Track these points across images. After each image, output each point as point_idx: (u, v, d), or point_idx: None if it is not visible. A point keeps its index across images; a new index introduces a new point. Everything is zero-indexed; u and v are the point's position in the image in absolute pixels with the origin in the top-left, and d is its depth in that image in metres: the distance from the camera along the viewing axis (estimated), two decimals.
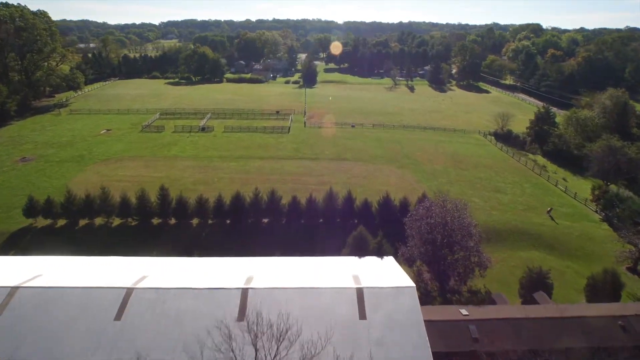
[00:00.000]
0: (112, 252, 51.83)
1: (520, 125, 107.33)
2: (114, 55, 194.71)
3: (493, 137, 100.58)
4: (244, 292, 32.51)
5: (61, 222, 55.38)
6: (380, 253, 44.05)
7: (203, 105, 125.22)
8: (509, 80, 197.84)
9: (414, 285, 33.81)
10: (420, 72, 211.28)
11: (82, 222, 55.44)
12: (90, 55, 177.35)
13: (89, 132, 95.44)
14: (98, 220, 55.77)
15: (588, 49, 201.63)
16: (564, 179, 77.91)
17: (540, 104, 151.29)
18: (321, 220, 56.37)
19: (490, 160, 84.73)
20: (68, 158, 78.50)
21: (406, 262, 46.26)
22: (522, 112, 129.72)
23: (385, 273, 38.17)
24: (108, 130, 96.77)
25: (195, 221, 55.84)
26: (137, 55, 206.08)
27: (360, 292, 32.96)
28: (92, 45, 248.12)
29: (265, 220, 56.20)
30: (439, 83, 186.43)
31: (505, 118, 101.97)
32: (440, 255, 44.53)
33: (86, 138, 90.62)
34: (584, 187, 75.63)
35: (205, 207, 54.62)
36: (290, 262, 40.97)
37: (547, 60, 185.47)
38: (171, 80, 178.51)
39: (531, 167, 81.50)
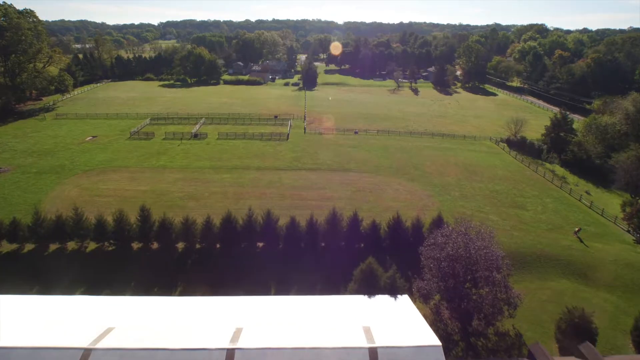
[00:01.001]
0: (84, 282, 45.63)
1: (532, 131, 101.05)
2: (107, 56, 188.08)
3: (506, 145, 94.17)
4: (230, 353, 26.18)
5: (29, 247, 48.86)
6: (393, 290, 37.64)
7: (197, 110, 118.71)
8: (516, 82, 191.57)
9: (439, 343, 27.42)
10: (424, 74, 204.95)
11: (53, 247, 48.93)
12: (81, 56, 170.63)
13: (73, 139, 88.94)
14: (71, 245, 49.24)
15: (597, 50, 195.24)
16: (587, 192, 71.48)
17: (551, 107, 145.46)
18: (323, 244, 49.97)
19: (505, 170, 78.31)
20: (47, 169, 72.00)
21: (422, 298, 39.90)
22: (533, 116, 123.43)
23: (402, 321, 31.76)
24: (94, 137, 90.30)
25: (180, 245, 49.37)
26: (131, 56, 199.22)
27: (373, 353, 26.56)
28: (88, 46, 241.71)
29: (260, 245, 49.74)
30: (443, 85, 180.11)
31: (519, 124, 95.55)
32: (463, 291, 38.17)
33: (69, 146, 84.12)
34: (610, 201, 69.28)
35: (192, 229, 48.19)
36: (287, 304, 34.56)
37: (555, 62, 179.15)
38: (166, 83, 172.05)
39: (550, 179, 75.10)
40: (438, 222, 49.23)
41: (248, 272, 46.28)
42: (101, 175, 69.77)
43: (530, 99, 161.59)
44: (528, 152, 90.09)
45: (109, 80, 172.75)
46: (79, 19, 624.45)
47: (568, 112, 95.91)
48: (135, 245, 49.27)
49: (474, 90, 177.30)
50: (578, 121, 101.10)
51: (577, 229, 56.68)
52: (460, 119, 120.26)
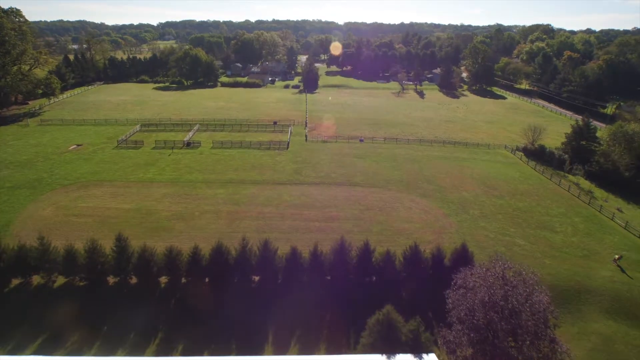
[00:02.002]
0: (48, 325, 38.88)
1: (548, 137, 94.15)
2: (100, 57, 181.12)
3: (522, 154, 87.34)
4: None
5: None
6: (417, 347, 30.97)
7: (191, 115, 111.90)
8: (525, 85, 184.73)
9: None
10: (429, 76, 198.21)
11: (15, 282, 42.21)
12: (72, 57, 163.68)
13: (56, 148, 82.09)
14: (36, 279, 42.49)
15: (608, 51, 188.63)
16: (619, 210, 64.69)
17: (564, 111, 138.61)
18: (329, 277, 43.21)
19: (526, 184, 71.52)
20: (23, 182, 65.15)
21: (451, 354, 33.13)
22: (546, 121, 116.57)
23: None
24: (78, 145, 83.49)
25: (163, 280, 42.62)
26: (125, 57, 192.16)
27: None
28: (78, 47, 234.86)
29: (256, 279, 42.97)
30: (450, 88, 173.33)
31: (537, 131, 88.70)
32: (501, 347, 31.42)
33: (50, 156, 77.29)
34: None
35: (176, 262, 41.42)
36: None
37: (565, 63, 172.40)
38: (160, 85, 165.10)
39: (576, 194, 68.28)
40: (462, 254, 42.55)
41: (241, 314, 39.49)
42: (81, 190, 62.94)
43: (541, 102, 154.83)
44: (548, 162, 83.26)
45: (102, 83, 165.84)
46: (78, 19, 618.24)
47: (591, 120, 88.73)
48: (111, 280, 42.47)
49: (482, 93, 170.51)
50: (601, 129, 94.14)
51: (617, 256, 49.85)
52: (470, 125, 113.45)
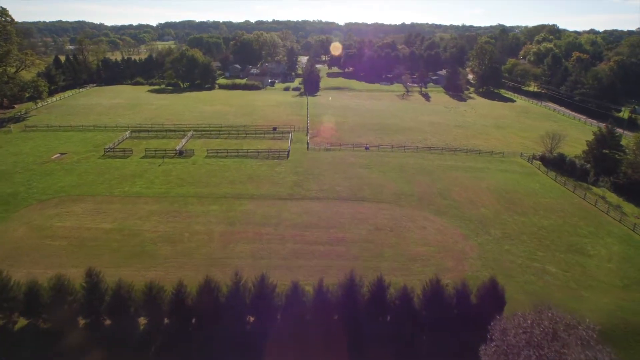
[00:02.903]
0: None
1: (566, 145, 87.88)
2: (93, 58, 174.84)
3: (540, 163, 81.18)
4: None
5: None
6: None
7: (186, 120, 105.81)
8: (533, 87, 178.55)
9: None
10: (434, 77, 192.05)
11: None
12: (63, 58, 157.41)
13: (37, 157, 76.02)
14: None
15: (619, 52, 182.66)
16: None
17: (577, 115, 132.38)
18: (336, 317, 37.10)
19: (548, 198, 65.41)
20: None
21: None
22: (559, 126, 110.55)
23: None
24: (61, 154, 77.41)
25: (142, 321, 36.52)
26: (120, 58, 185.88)
27: None
28: (72, 47, 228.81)
29: (251, 319, 36.85)
30: (456, 90, 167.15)
31: (556, 139, 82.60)
32: None
33: (30, 166, 71.23)
34: None
35: (158, 300, 35.32)
36: None
37: (574, 65, 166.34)
38: (155, 87, 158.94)
39: (605, 209, 62.16)
40: (491, 290, 36.43)
41: None
42: (59, 206, 56.86)
43: (552, 105, 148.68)
44: (568, 172, 77.13)
45: (94, 85, 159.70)
46: (77, 19, 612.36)
47: (615, 126, 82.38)
48: (82, 321, 36.39)
49: (489, 96, 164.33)
50: (626, 137, 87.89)
51: None
52: (480, 130, 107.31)
